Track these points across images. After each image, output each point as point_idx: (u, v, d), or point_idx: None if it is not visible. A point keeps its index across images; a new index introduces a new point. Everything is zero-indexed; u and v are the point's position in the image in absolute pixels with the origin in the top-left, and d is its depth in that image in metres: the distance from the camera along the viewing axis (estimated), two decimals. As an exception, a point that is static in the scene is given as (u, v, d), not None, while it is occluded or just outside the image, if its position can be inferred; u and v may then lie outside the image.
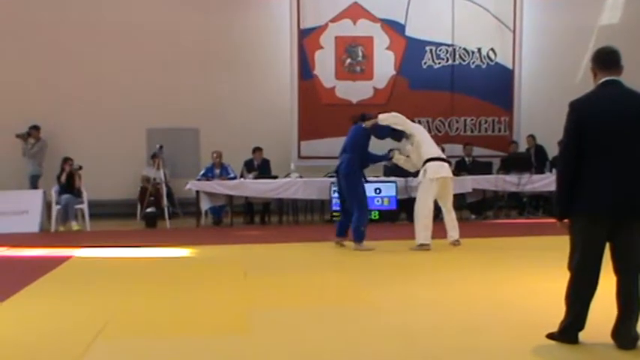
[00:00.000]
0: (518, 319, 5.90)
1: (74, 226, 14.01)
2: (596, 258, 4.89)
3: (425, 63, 17.27)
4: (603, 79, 5.00)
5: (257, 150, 15.38)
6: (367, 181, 10.97)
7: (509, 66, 17.44)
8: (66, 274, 8.90)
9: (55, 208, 14.04)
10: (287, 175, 15.34)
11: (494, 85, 17.39)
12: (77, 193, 14.25)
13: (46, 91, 16.04)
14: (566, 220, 5.01)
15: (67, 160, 14.40)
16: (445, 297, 6.89)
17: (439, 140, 16.66)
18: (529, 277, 7.87)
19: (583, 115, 4.93)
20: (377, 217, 14.26)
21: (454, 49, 17.29)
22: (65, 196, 14.05)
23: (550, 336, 5.12)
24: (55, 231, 13.85)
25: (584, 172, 4.86)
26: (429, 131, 17.16)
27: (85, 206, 14.25)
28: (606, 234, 4.88)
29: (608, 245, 4.93)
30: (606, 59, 5.05)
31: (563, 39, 17.21)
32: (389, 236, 11.96)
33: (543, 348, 5.01)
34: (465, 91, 17.36)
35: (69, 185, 14.26)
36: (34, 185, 15.37)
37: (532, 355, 4.88)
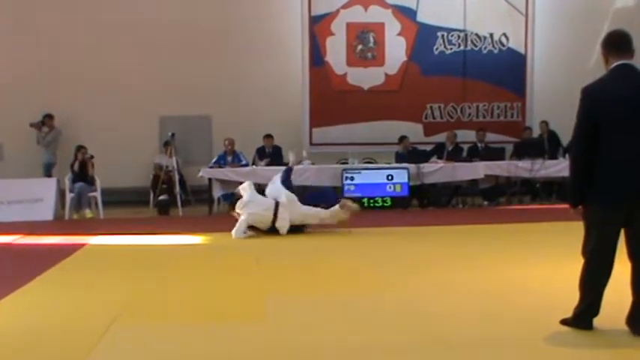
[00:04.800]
0: (532, 304, 5.90)
1: (88, 213, 14.06)
2: (611, 244, 4.87)
3: (437, 49, 17.19)
4: (615, 64, 4.93)
5: (268, 137, 15.38)
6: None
7: (522, 51, 17.33)
8: (80, 262, 8.96)
9: (68, 196, 14.09)
10: (299, 162, 15.33)
11: (507, 71, 17.29)
12: (90, 181, 14.29)
13: (60, 80, 16.06)
14: (580, 207, 4.98)
15: (80, 149, 14.44)
16: (458, 283, 6.89)
17: (451, 126, 16.71)
18: (542, 262, 7.85)
19: (595, 101, 4.88)
20: (389, 203, 14.25)
21: (466, 35, 17.19)
22: (79, 184, 14.10)
23: (564, 322, 5.11)
24: (68, 219, 13.91)
25: (598, 159, 4.82)
26: (441, 117, 17.27)
27: (98, 194, 14.30)
28: (621, 220, 4.86)
29: (622, 231, 4.91)
30: (618, 43, 4.97)
31: (576, 23, 17.07)
32: (401, 223, 11.95)
33: (557, 334, 5.00)
34: (477, 77, 17.27)
35: (82, 173, 14.31)
36: (48, 173, 15.44)
37: (545, 341, 4.88)
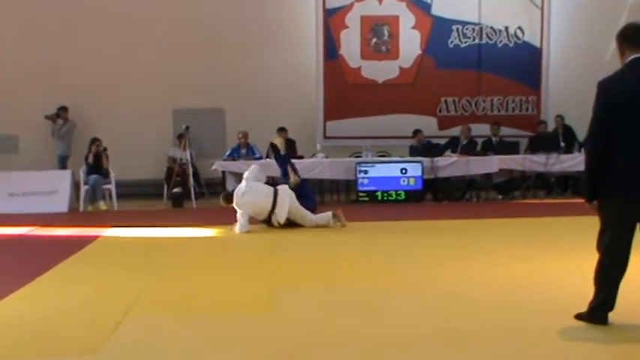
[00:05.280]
0: (546, 298, 5.87)
1: (102, 205, 14.11)
2: (627, 238, 4.85)
3: (451, 42, 17.11)
4: (632, 57, 4.87)
5: (281, 130, 15.37)
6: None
7: (537, 44, 17.23)
8: (94, 254, 9.00)
9: (83, 189, 14.15)
10: (313, 155, 15.33)
11: (522, 64, 17.20)
12: (105, 174, 14.34)
13: (75, 73, 16.11)
14: (595, 202, 4.94)
15: (94, 141, 14.50)
16: (472, 277, 6.87)
17: (466, 120, 16.65)
18: (557, 257, 7.80)
19: (612, 95, 4.82)
20: (403, 197, 14.23)
21: (481, 28, 17.11)
22: (93, 177, 14.15)
23: (578, 316, 5.08)
24: (83, 211, 13.97)
25: (614, 153, 4.78)
26: (456, 111, 17.21)
27: (112, 186, 14.35)
28: (637, 215, 4.82)
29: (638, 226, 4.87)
30: (634, 36, 4.90)
31: (592, 16, 16.93)
32: (415, 216, 11.93)
33: (571, 329, 4.98)
34: (492, 71, 17.19)
35: (96, 166, 14.36)
36: (62, 165, 15.51)
37: (559, 336, 4.86)
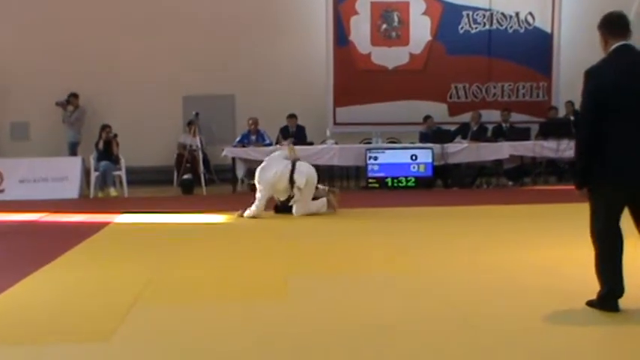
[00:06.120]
0: (558, 285, 5.85)
1: (112, 192, 14.16)
2: (617, 222, 4.93)
3: (462, 28, 17.06)
4: (616, 45, 4.98)
5: (291, 116, 15.36)
6: None
7: (548, 30, 17.16)
8: (105, 240, 9.02)
9: (93, 175, 14.20)
10: (323, 142, 15.32)
11: (533, 50, 17.14)
12: (115, 160, 14.38)
13: (85, 60, 16.13)
14: (585, 189, 5.01)
15: (105, 128, 14.53)
16: (483, 263, 6.86)
17: (476, 106, 16.60)
18: (568, 243, 7.77)
19: (599, 83, 4.92)
20: (413, 183, 14.21)
21: (491, 14, 17.05)
22: (103, 163, 14.19)
23: (590, 303, 5.08)
24: (93, 197, 14.02)
25: (604, 139, 4.85)
26: (466, 97, 17.16)
27: (122, 173, 14.39)
28: (626, 198, 4.91)
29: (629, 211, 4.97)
30: (617, 24, 5.05)
31: (603, 1, 16.77)
32: (425, 203, 11.92)
33: (581, 313, 4.98)
34: (502, 56, 17.14)
35: (107, 152, 14.40)
36: (73, 152, 15.57)
37: (569, 321, 4.87)
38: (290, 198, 10.58)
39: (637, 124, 4.83)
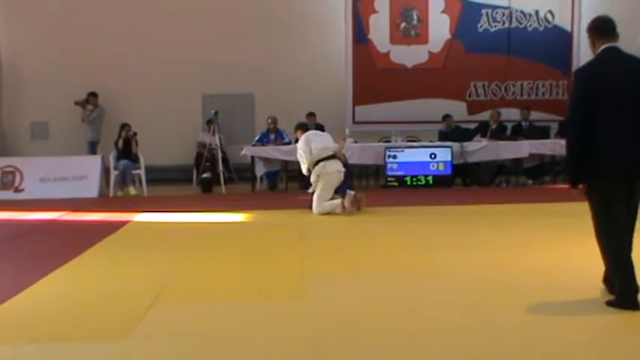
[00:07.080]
0: (577, 284, 5.81)
1: (132, 191, 14.20)
2: (621, 217, 5.01)
3: (481, 26, 16.98)
4: (604, 46, 5.22)
5: (310, 115, 15.34)
6: None
7: (568, 28, 17.05)
8: (124, 239, 9.06)
9: (113, 174, 14.25)
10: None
11: (552, 48, 17.03)
12: (134, 159, 14.42)
13: (104, 59, 16.21)
14: (580, 186, 5.14)
15: (124, 126, 14.57)
16: (503, 261, 6.84)
17: (495, 104, 16.53)
18: (588, 242, 7.70)
19: (589, 83, 5.08)
20: (432, 182, 14.16)
21: (511, 12, 16.96)
22: (123, 162, 14.24)
23: (609, 304, 5.09)
24: (113, 196, 14.07)
25: (595, 137, 4.99)
26: (485, 95, 17.09)
27: (142, 172, 14.43)
28: (621, 190, 5.02)
29: None
30: (605, 27, 5.30)
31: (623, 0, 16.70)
32: (444, 201, 11.88)
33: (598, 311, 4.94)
34: (521, 55, 17.04)
35: (126, 151, 14.44)
36: (92, 151, 15.64)
37: (586, 318, 4.84)
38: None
39: (624, 119, 4.98)
